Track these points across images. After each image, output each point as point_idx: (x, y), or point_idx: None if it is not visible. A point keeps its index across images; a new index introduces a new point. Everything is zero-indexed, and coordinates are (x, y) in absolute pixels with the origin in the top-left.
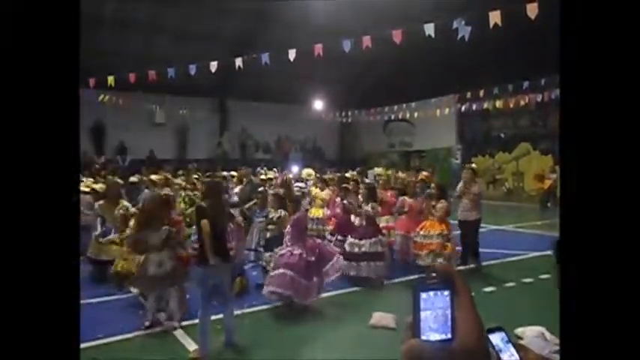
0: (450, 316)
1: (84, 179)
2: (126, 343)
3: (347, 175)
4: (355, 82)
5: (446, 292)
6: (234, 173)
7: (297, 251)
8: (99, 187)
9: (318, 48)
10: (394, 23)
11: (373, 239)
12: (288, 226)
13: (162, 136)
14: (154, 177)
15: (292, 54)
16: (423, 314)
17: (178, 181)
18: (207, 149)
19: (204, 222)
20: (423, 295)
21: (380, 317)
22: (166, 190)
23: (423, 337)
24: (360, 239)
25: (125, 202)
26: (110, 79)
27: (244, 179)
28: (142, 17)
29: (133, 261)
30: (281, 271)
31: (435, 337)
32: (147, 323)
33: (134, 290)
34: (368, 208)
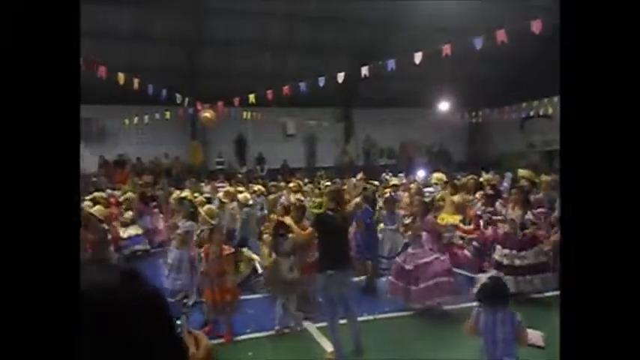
0: None
1: (230, 187)
2: (268, 339)
3: (482, 178)
4: (487, 80)
5: None
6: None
7: (443, 257)
8: (242, 197)
9: (447, 48)
10: (527, 14)
11: (535, 248)
12: (424, 233)
13: (293, 146)
14: (291, 185)
15: (418, 57)
16: None
17: (308, 188)
18: (334, 157)
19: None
20: None
21: (529, 335)
22: (298, 196)
23: None
24: (520, 250)
25: None
26: (251, 97)
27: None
28: (275, 36)
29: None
30: (438, 280)
31: None
32: (276, 327)
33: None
34: (519, 214)
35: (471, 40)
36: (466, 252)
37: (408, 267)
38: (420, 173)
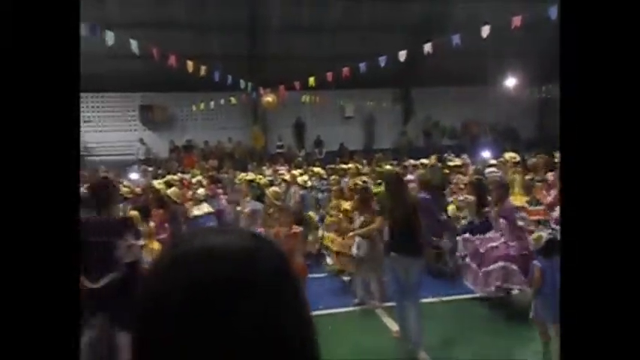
0: None
1: (294, 171)
2: (338, 316)
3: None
4: (557, 53)
5: None
6: (424, 161)
7: (512, 243)
8: (301, 179)
9: (517, 20)
10: None
11: None
12: (501, 218)
13: (351, 128)
14: (345, 166)
15: (486, 31)
16: None
17: (366, 170)
18: (393, 139)
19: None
20: None
21: None
22: (361, 179)
23: None
24: None
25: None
26: (311, 80)
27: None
28: (331, 18)
29: (340, 243)
30: (501, 264)
31: None
32: (355, 301)
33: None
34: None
35: (544, 10)
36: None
37: (481, 250)
38: (485, 153)
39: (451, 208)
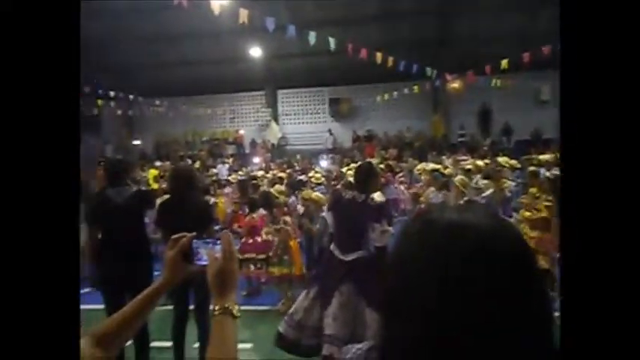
0: None
1: (477, 161)
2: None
3: None
4: None
5: None
6: None
7: None
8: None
9: None
10: None
11: None
12: None
13: (547, 113)
14: (542, 157)
15: None
16: None
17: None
18: None
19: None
20: None
21: None
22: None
23: None
24: None
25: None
26: (504, 63)
27: None
28: None
29: (536, 240)
30: None
31: None
32: None
33: None
34: None
35: None
36: None
37: None
38: None
39: None
